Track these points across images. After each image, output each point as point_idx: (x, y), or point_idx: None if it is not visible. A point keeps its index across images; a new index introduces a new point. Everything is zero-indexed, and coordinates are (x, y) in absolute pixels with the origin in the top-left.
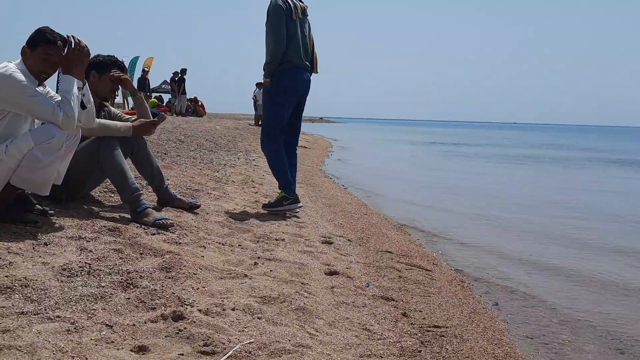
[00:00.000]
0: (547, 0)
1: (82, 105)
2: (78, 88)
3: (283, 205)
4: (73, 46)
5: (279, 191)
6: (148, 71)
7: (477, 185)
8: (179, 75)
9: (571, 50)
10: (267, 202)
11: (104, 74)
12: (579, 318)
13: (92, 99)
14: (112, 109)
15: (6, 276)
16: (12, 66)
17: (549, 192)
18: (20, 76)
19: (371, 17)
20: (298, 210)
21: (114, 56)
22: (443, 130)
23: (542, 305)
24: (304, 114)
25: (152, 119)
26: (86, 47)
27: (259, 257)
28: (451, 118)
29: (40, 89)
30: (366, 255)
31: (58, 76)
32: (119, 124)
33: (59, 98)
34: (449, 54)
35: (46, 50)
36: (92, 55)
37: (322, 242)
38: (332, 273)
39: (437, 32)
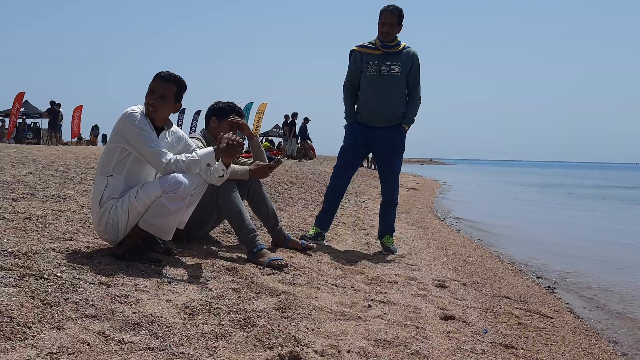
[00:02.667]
0: None
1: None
2: (209, 164)
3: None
4: (233, 143)
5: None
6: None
7: (601, 226)
8: (290, 119)
9: None
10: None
11: (223, 119)
12: None
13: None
14: None
15: (134, 313)
16: (137, 109)
17: None
18: (142, 119)
19: (475, 59)
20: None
21: (232, 102)
22: (559, 171)
23: None
24: (412, 156)
25: (267, 162)
26: (241, 143)
27: (372, 300)
28: (567, 159)
29: (163, 138)
30: (482, 300)
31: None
32: (237, 167)
33: (185, 156)
34: (561, 91)
35: (151, 85)
36: (212, 102)
37: (436, 286)
38: (447, 318)
39: (547, 69)
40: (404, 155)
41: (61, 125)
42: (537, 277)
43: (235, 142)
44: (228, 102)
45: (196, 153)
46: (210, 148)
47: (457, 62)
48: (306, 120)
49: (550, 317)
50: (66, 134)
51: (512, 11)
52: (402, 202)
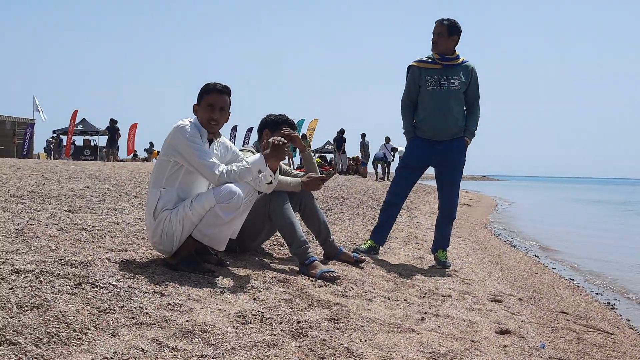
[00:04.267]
0: None
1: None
2: (260, 171)
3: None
4: (279, 143)
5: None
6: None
7: None
8: (339, 135)
9: None
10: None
11: (275, 131)
12: None
13: (271, 175)
14: (282, 165)
15: (187, 321)
16: (188, 122)
17: None
18: (193, 132)
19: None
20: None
21: (284, 115)
22: (614, 187)
23: None
24: (465, 173)
25: (319, 175)
26: (286, 144)
27: (425, 313)
28: (625, 175)
29: (213, 149)
30: (539, 315)
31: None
32: (289, 179)
33: (236, 165)
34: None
35: (208, 100)
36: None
37: (491, 300)
38: (503, 332)
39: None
40: None
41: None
42: (597, 294)
43: (280, 142)
44: (280, 115)
45: (246, 161)
46: (259, 154)
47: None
48: (363, 136)
49: (611, 333)
50: (122, 151)
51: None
52: (457, 218)
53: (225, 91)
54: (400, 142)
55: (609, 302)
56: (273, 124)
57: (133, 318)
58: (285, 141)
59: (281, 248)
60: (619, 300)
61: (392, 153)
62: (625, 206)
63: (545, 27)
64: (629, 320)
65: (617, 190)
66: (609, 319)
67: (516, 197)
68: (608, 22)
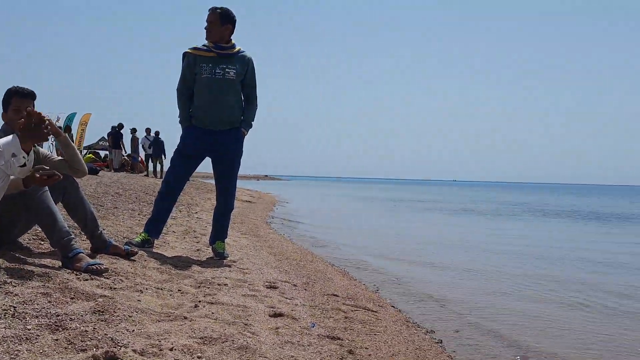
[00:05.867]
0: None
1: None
2: (14, 154)
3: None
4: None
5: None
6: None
7: (422, 233)
8: (116, 129)
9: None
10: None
11: (7, 107)
12: (526, 350)
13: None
14: (43, 150)
15: None
16: None
17: (481, 236)
18: None
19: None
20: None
21: (13, 86)
22: (386, 186)
23: (486, 342)
24: (247, 172)
25: (81, 161)
26: (41, 116)
27: (199, 301)
28: (395, 176)
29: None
30: (312, 299)
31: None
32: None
33: None
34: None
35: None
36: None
37: (267, 287)
38: (276, 315)
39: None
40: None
41: None
42: (364, 277)
43: (35, 117)
44: (9, 88)
45: None
46: (12, 135)
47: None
48: (133, 131)
49: (375, 311)
50: None
51: None
52: (237, 213)
53: None
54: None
55: (375, 285)
56: (3, 103)
57: None
58: (40, 115)
59: (42, 242)
60: (383, 282)
61: (151, 145)
62: (402, 203)
63: None
64: (390, 299)
65: (395, 189)
66: (374, 300)
67: (296, 195)
68: None
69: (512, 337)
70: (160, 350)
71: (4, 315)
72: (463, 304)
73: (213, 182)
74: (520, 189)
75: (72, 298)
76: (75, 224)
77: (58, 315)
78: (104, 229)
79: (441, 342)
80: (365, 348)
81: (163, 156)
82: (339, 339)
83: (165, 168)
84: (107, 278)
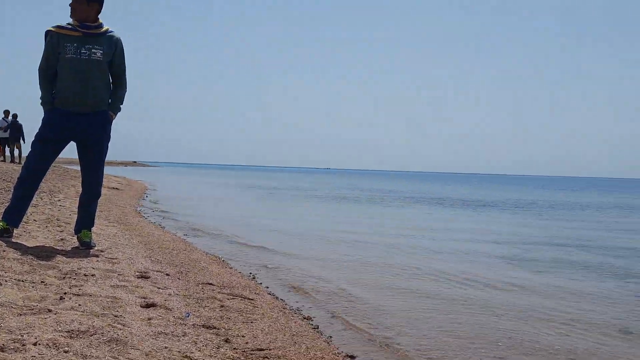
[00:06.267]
0: None
1: None
2: None
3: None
4: None
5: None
6: None
7: (293, 223)
8: None
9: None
10: None
11: None
12: (391, 335)
13: None
14: None
15: None
16: None
17: (339, 222)
18: None
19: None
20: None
21: None
22: (265, 174)
23: (362, 327)
24: (114, 158)
25: None
26: None
27: (65, 293)
28: (279, 164)
29: None
30: (186, 288)
31: None
32: None
33: None
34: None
35: None
36: None
37: (138, 277)
38: (149, 305)
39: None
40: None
41: None
42: (240, 265)
43: None
44: None
45: None
46: None
47: None
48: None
49: (252, 299)
50: None
51: None
52: (104, 201)
53: None
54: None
55: (250, 273)
56: None
57: None
58: None
59: None
60: (259, 271)
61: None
62: (275, 191)
63: None
64: (267, 287)
65: (271, 177)
66: (250, 287)
67: (169, 183)
68: None
69: (384, 323)
70: (23, 345)
71: None
72: (336, 292)
73: (78, 168)
74: (400, 177)
75: None
76: None
77: None
78: None
79: (317, 328)
80: (242, 336)
81: (22, 140)
82: (215, 328)
83: (25, 153)
84: None
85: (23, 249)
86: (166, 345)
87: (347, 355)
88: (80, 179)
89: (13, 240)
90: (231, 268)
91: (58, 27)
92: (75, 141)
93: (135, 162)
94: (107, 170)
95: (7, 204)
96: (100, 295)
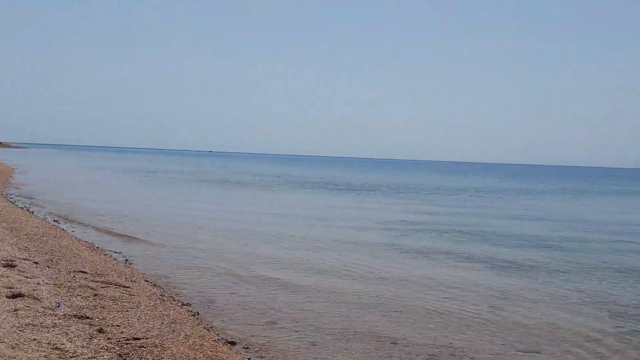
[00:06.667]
0: None
1: None
2: None
3: None
4: None
5: None
6: None
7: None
8: None
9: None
10: None
11: None
12: (272, 320)
13: None
14: None
15: None
16: None
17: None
18: None
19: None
20: None
21: None
22: (147, 156)
23: (241, 311)
24: None
25: None
26: None
27: None
28: (150, 145)
29: None
30: (56, 277)
31: None
32: None
33: None
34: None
35: None
36: None
37: (3, 266)
38: (15, 296)
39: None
40: None
41: None
42: (115, 252)
43: None
44: None
45: None
46: None
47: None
48: None
49: (127, 287)
50: None
51: None
52: None
53: None
54: None
55: (126, 260)
56: None
57: None
58: None
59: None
60: (134, 257)
61: None
62: (151, 174)
63: None
64: (144, 274)
65: (155, 160)
66: (126, 274)
67: (39, 165)
68: None
69: (267, 305)
70: None
71: None
72: (218, 279)
73: None
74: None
75: None
76: None
77: None
78: None
79: (197, 315)
80: (117, 325)
81: None
82: (87, 317)
83: None
84: None
85: None
86: (35, 338)
87: (228, 341)
88: None
89: None
90: (105, 255)
91: None
92: None
93: (1, 142)
94: None
95: None
96: None
